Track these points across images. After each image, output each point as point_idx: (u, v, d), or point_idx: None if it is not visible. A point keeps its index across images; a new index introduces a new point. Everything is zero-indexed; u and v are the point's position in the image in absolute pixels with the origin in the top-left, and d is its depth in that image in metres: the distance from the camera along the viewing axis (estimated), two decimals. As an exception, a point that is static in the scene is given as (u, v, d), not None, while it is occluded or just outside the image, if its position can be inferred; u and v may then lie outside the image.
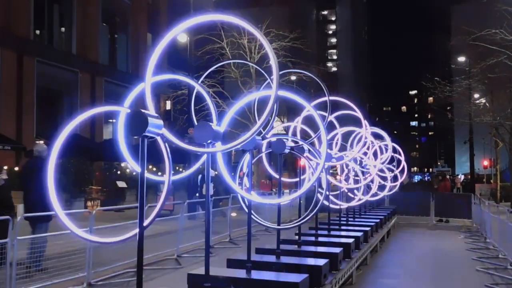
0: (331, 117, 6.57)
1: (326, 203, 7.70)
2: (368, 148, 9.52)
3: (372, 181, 10.01)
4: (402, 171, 13.23)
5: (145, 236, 3.31)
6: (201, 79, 5.07)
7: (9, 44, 21.10)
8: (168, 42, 3.55)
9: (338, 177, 9.92)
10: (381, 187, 11.62)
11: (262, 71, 4.88)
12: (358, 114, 7.69)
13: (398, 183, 13.07)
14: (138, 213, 3.23)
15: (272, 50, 3.48)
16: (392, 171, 12.39)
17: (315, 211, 5.20)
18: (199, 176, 15.86)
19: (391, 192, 13.19)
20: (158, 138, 3.31)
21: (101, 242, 3.63)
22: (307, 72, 6.16)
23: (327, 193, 6.98)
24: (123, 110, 3.46)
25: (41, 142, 7.62)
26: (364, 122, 7.87)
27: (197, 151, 3.87)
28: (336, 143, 8.19)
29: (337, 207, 8.12)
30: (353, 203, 9.67)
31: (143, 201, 3.22)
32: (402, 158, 13.07)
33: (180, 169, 23.58)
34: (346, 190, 9.67)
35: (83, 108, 27.84)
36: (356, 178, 9.67)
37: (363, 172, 9.87)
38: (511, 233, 8.65)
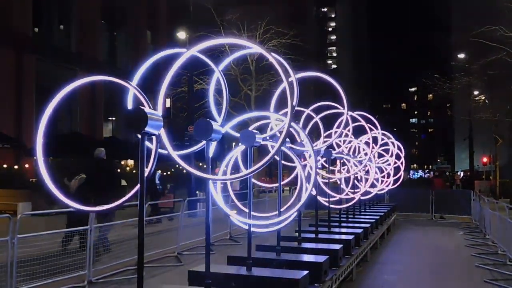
0: (348, 114, 6.74)
1: (322, 201, 7.74)
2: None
3: (359, 179, 10.01)
4: (397, 179, 13.42)
5: (146, 234, 3.32)
6: (227, 61, 4.91)
7: (8, 42, 21.08)
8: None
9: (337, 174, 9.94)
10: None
11: (286, 64, 4.82)
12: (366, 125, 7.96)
13: (388, 188, 13.16)
14: (138, 209, 3.23)
15: (290, 79, 3.47)
16: (389, 175, 12.52)
17: (298, 208, 5.08)
18: (157, 174, 15.08)
19: (381, 192, 13.21)
20: (153, 137, 3.33)
21: (99, 211, 3.67)
22: (329, 78, 6.23)
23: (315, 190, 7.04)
24: (130, 88, 3.44)
25: (101, 148, 9.14)
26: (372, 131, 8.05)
27: (196, 175, 3.89)
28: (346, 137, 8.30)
29: (326, 203, 8.09)
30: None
31: (143, 199, 3.23)
32: (402, 167, 13.22)
33: (180, 167, 23.61)
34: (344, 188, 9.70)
35: (83, 106, 27.80)
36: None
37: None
38: (510, 229, 8.67)
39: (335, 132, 8.21)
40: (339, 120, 8.01)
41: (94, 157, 9.03)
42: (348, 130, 8.19)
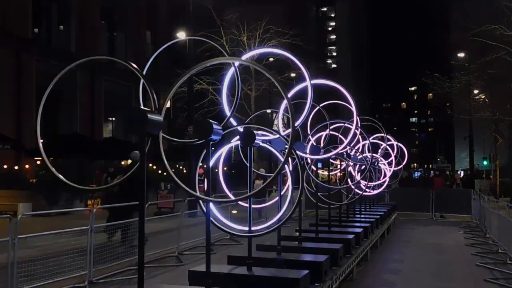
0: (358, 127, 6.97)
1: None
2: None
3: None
4: (390, 186, 13.61)
5: (146, 234, 3.32)
6: (256, 51, 4.95)
7: (8, 43, 21.08)
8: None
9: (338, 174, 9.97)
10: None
11: (297, 61, 4.90)
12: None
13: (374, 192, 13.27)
14: (139, 210, 3.24)
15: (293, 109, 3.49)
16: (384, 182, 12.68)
17: (290, 213, 5.04)
18: (104, 175, 12.96)
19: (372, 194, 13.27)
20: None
21: (95, 189, 3.68)
22: (343, 90, 6.45)
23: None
24: (139, 75, 3.43)
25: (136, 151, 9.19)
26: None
27: (194, 195, 3.90)
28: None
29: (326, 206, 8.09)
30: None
31: (143, 199, 3.24)
32: (400, 174, 13.38)
33: (181, 167, 23.58)
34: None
35: (82, 107, 27.74)
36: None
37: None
38: (510, 228, 8.68)
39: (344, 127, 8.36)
40: (348, 123, 8.21)
41: (130, 159, 9.50)
42: (357, 129, 8.24)
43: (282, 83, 3.59)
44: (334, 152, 7.32)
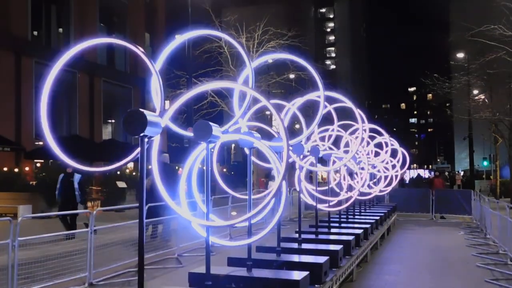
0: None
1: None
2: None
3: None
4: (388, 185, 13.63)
5: (146, 235, 3.32)
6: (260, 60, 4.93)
7: (7, 45, 21.10)
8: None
9: (337, 175, 9.97)
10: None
11: (301, 62, 4.96)
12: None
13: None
14: (139, 211, 3.24)
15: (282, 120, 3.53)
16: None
17: (278, 219, 4.98)
18: (76, 177, 11.65)
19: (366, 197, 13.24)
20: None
21: (98, 171, 3.67)
22: (359, 112, 6.58)
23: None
24: (150, 67, 3.42)
25: (165, 153, 9.73)
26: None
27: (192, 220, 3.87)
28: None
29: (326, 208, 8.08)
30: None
31: (143, 201, 3.24)
32: (397, 179, 13.39)
33: (180, 168, 23.59)
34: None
35: (82, 108, 27.69)
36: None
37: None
38: (511, 229, 8.67)
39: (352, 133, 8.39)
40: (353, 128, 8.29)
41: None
42: (364, 130, 8.27)
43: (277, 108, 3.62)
44: (338, 164, 7.32)
